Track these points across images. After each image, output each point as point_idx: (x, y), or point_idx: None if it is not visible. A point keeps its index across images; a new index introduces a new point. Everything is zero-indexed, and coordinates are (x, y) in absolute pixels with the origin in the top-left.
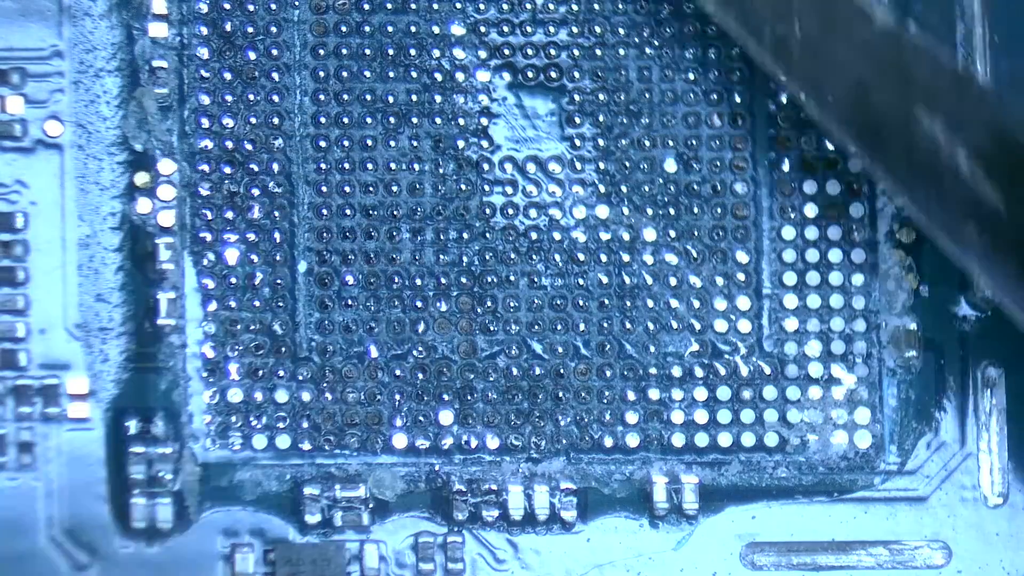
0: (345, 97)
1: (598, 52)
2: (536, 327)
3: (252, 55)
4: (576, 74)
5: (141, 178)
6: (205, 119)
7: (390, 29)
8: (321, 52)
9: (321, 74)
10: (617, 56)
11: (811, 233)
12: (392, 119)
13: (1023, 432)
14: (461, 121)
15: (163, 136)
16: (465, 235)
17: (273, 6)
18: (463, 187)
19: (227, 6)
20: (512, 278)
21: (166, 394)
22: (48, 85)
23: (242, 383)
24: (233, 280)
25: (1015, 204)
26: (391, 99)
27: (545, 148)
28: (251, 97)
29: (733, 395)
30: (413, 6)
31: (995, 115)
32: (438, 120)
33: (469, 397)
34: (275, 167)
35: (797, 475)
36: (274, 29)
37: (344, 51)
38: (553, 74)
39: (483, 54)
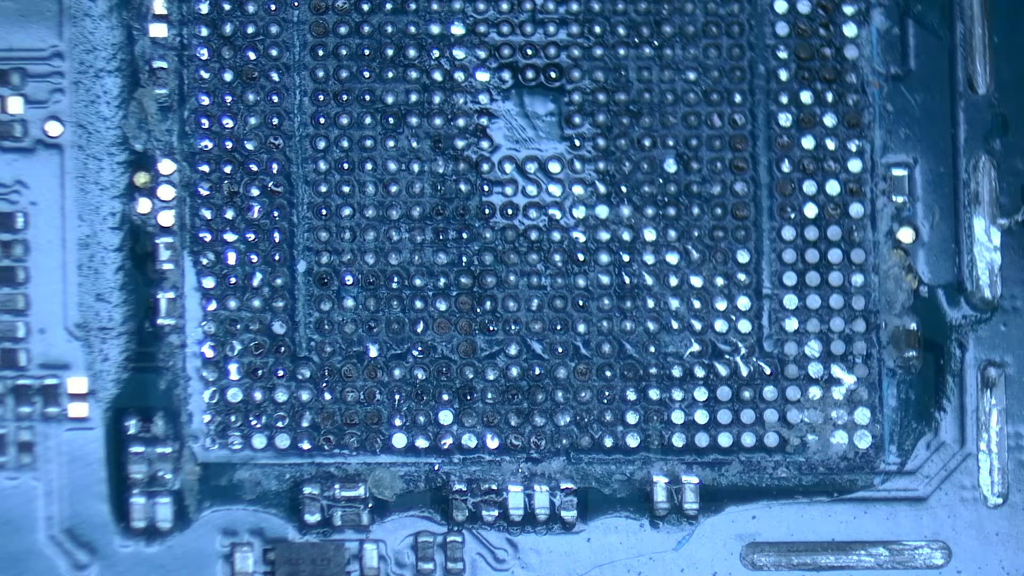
0: (344, 97)
1: (598, 52)
2: (536, 327)
3: (252, 55)
4: (576, 74)
5: (141, 178)
6: (205, 119)
7: (389, 29)
8: (320, 52)
9: (320, 74)
10: (617, 56)
11: (811, 233)
12: (391, 119)
13: (1022, 432)
14: (461, 121)
15: (163, 136)
16: (465, 235)
17: (273, 6)
18: (463, 187)
19: (227, 6)
20: (512, 278)
21: (166, 394)
22: (48, 85)
23: (242, 383)
24: (233, 280)
25: None
26: (390, 99)
27: (545, 148)
28: (251, 97)
29: (733, 395)
30: (412, 6)
31: None
32: (437, 120)
33: (469, 397)
34: (275, 167)
35: (797, 475)
36: (274, 29)
37: (343, 51)
38: (553, 74)
39: (482, 54)
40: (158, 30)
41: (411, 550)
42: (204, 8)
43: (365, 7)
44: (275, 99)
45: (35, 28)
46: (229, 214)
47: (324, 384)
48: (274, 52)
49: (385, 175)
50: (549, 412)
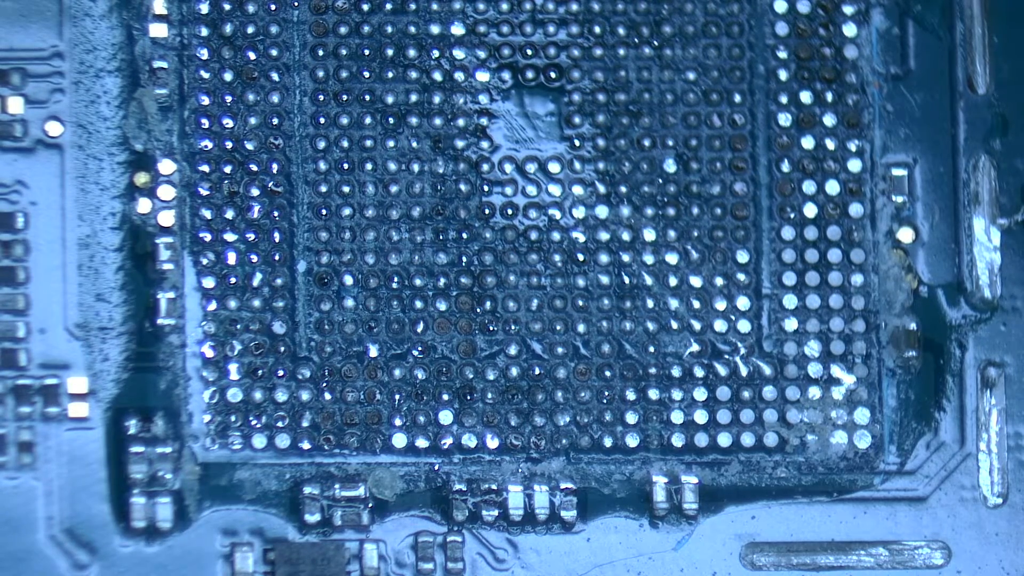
0: (344, 97)
1: (598, 52)
2: (536, 327)
3: (252, 55)
4: (576, 74)
5: (141, 178)
6: (205, 119)
7: (389, 29)
8: (320, 52)
9: (320, 74)
10: (617, 56)
11: (811, 233)
12: (391, 119)
13: (1022, 432)
14: (460, 121)
15: (163, 136)
16: (465, 235)
17: (273, 6)
18: (463, 187)
19: (227, 6)
20: (512, 278)
21: (166, 394)
22: (48, 85)
23: (242, 383)
24: (233, 280)
25: None
26: (390, 99)
27: (545, 148)
28: (251, 97)
29: (733, 395)
30: (412, 6)
31: None
32: (437, 120)
33: (469, 397)
34: (275, 167)
35: (797, 475)
36: (274, 29)
37: (343, 51)
38: (553, 74)
39: (482, 54)
40: (158, 30)
41: (411, 550)
42: (204, 8)
43: (365, 7)
44: (275, 99)
45: (35, 28)
46: (229, 214)
47: (324, 384)
48: (274, 52)
49: (385, 175)
50: (549, 412)
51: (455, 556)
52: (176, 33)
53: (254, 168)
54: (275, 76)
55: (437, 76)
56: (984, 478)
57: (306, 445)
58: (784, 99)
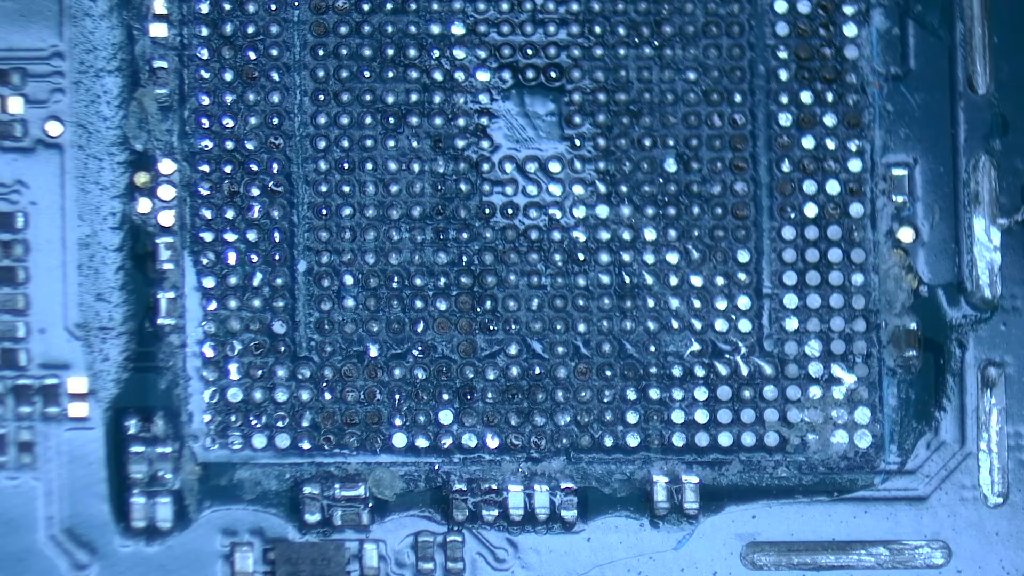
0: (345, 97)
1: (598, 52)
2: (536, 327)
3: (252, 55)
4: (576, 74)
5: (141, 178)
6: (205, 119)
7: (389, 29)
8: (321, 52)
9: (321, 74)
10: (617, 56)
11: (811, 233)
12: (392, 119)
13: (1022, 432)
14: (461, 121)
15: (163, 136)
16: (465, 235)
17: (273, 6)
18: (463, 187)
19: (227, 6)
20: (512, 278)
21: (166, 394)
22: (48, 85)
23: (242, 382)
24: (233, 280)
25: None
26: (390, 99)
27: (545, 148)
28: (251, 97)
29: (733, 395)
30: (412, 6)
31: None
32: (438, 120)
33: (469, 397)
34: (275, 167)
35: (797, 475)
36: (274, 29)
37: (344, 51)
38: (553, 74)
39: (483, 54)
40: (158, 30)
41: (411, 550)
42: (204, 8)
43: (365, 7)
44: (275, 99)
45: (35, 28)
46: (229, 214)
47: (324, 384)
48: (274, 52)
49: (385, 175)
50: (549, 412)
51: (455, 556)
52: (176, 33)
53: (254, 168)
54: (275, 76)
55: (437, 76)
56: (984, 478)
57: (306, 445)
58: (784, 99)
